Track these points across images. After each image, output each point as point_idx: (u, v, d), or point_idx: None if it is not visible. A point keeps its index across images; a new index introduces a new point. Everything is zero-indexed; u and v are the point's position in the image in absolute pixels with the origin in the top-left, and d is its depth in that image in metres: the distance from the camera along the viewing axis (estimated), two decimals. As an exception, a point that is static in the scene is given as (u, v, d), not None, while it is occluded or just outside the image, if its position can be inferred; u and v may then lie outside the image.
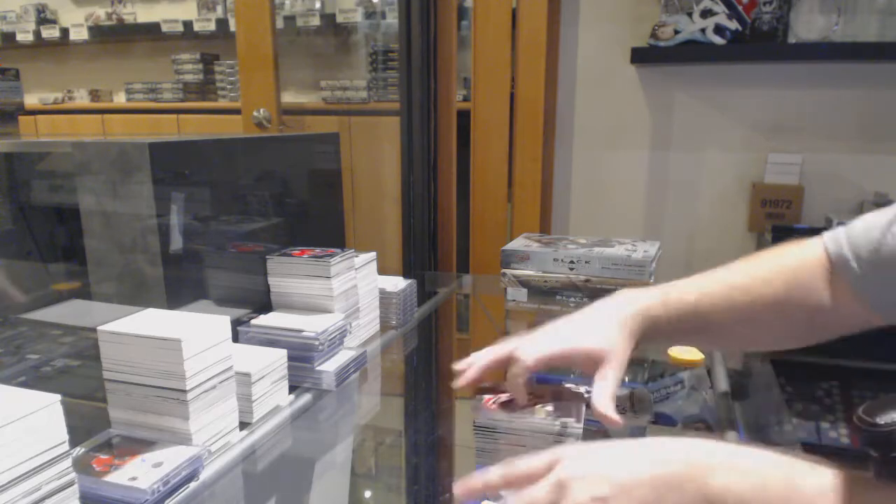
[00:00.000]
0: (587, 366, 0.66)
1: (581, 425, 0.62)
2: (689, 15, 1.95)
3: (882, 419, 0.76)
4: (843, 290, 0.62)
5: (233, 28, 2.62)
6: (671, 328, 0.68)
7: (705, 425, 0.85)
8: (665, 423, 0.86)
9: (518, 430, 0.63)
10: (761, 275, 0.66)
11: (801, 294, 0.64)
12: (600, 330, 0.67)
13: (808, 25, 1.89)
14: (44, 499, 0.54)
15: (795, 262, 0.65)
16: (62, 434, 0.55)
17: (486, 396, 0.67)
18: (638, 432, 0.84)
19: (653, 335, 0.69)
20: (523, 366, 0.64)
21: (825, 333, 0.66)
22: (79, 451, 0.67)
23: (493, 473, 0.53)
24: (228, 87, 2.97)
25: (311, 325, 0.93)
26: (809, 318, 0.65)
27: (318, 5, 2.75)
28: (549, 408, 0.64)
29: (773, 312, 0.65)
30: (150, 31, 3.05)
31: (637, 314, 0.68)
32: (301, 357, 0.91)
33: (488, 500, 0.58)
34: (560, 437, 0.61)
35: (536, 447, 0.62)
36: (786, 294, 0.65)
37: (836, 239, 0.63)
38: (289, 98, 2.85)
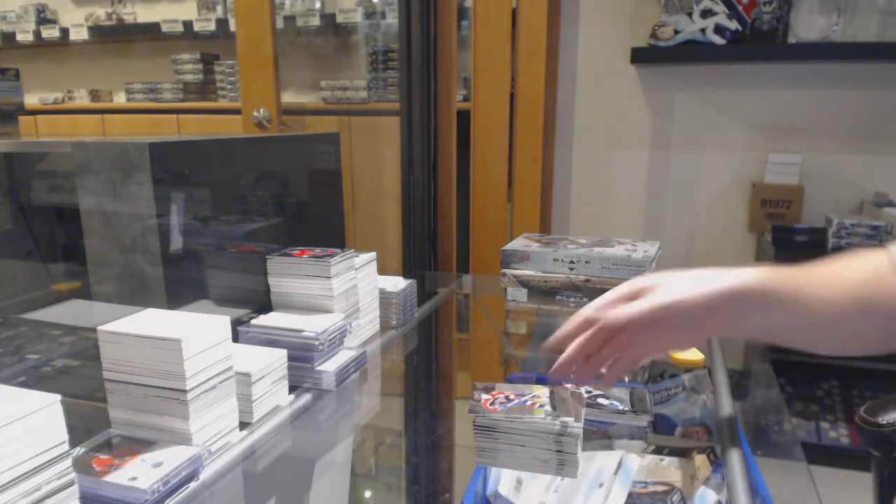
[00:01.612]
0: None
1: (581, 425, 0.62)
2: (689, 15, 1.95)
3: (884, 419, 0.76)
4: None
5: (233, 28, 2.62)
6: (781, 307, 0.64)
7: (705, 428, 0.85)
8: (664, 424, 0.86)
9: (518, 429, 0.63)
10: (862, 267, 0.64)
11: (882, 294, 0.62)
12: (687, 282, 0.65)
13: (808, 25, 1.89)
14: (44, 499, 0.54)
15: (871, 265, 0.64)
16: (62, 434, 0.55)
17: (485, 396, 0.67)
18: (638, 433, 0.84)
19: (756, 313, 0.64)
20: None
21: None
22: (79, 451, 0.67)
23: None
24: (228, 87, 2.97)
25: (311, 325, 0.93)
26: (890, 320, 0.62)
27: (318, 5, 2.75)
28: (549, 408, 0.64)
29: (861, 311, 0.63)
30: (150, 31, 3.05)
31: (740, 285, 0.63)
32: (301, 357, 0.91)
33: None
34: (560, 436, 0.61)
35: (536, 447, 0.62)
36: (875, 291, 0.62)
37: None
38: (289, 98, 2.85)
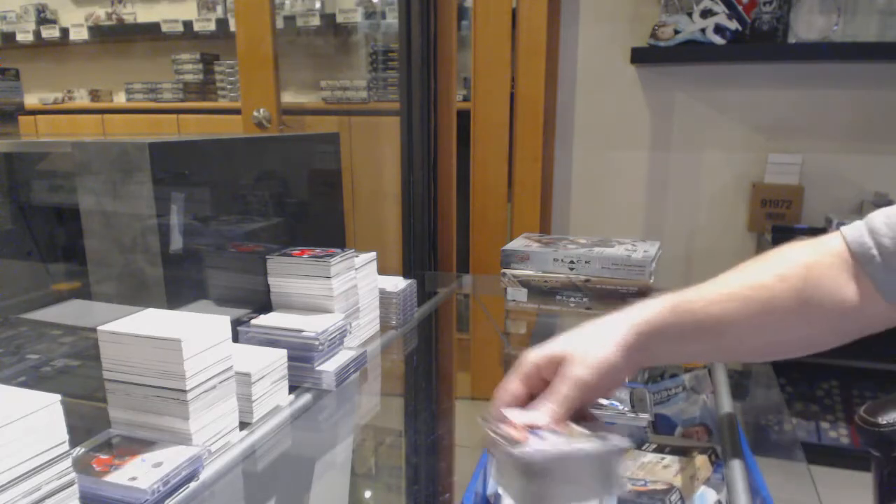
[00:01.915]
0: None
1: (626, 438, 0.56)
2: (689, 15, 1.95)
3: (884, 419, 0.76)
4: (866, 283, 0.57)
5: (233, 28, 2.62)
6: (681, 337, 0.62)
7: (705, 428, 0.85)
8: (664, 424, 0.86)
9: (572, 457, 0.54)
10: (776, 271, 0.60)
11: (820, 290, 0.58)
12: (590, 342, 0.61)
13: (808, 25, 1.89)
14: (44, 499, 0.54)
15: (812, 256, 0.60)
16: (62, 434, 0.55)
17: (509, 430, 0.56)
18: (638, 432, 0.84)
19: (660, 347, 0.62)
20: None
21: (849, 334, 0.60)
22: (79, 451, 0.67)
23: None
24: (228, 87, 2.97)
25: (311, 325, 0.93)
26: (830, 317, 0.59)
27: (318, 5, 2.75)
28: (578, 427, 0.57)
29: (792, 312, 0.59)
30: (150, 31, 3.05)
31: (639, 323, 0.61)
32: (301, 357, 0.91)
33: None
34: (610, 456, 0.54)
35: (589, 475, 0.55)
36: (804, 290, 0.59)
37: (856, 228, 0.59)
38: (289, 98, 2.85)
